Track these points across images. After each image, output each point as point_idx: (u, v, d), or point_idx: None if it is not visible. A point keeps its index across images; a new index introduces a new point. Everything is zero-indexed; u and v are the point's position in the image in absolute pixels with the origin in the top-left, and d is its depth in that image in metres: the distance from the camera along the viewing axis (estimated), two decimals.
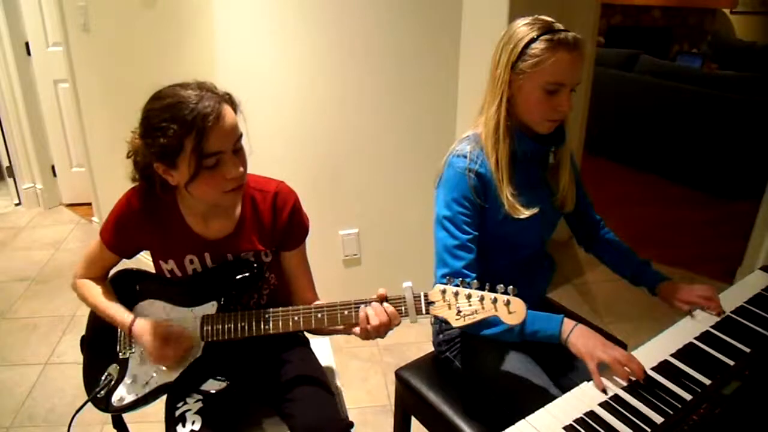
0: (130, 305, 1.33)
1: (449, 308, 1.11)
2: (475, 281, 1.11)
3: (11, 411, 2.17)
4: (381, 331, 1.15)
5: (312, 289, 1.45)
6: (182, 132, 1.09)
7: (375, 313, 1.14)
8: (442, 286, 1.12)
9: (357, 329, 1.18)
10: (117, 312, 1.31)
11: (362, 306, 1.17)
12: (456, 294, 1.10)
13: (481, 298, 1.09)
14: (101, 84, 2.94)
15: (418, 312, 1.14)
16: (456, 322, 1.10)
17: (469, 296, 1.09)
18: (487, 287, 1.10)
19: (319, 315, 1.21)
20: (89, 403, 1.29)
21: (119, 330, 1.33)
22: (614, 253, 1.54)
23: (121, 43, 2.69)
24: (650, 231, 3.76)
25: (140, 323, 1.27)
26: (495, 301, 1.08)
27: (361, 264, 2.63)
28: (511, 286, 1.09)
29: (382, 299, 1.16)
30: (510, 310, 1.07)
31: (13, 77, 3.59)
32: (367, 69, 2.31)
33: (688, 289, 1.39)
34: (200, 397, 1.30)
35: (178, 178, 1.18)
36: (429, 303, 1.13)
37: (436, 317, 1.19)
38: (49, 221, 3.81)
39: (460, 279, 1.12)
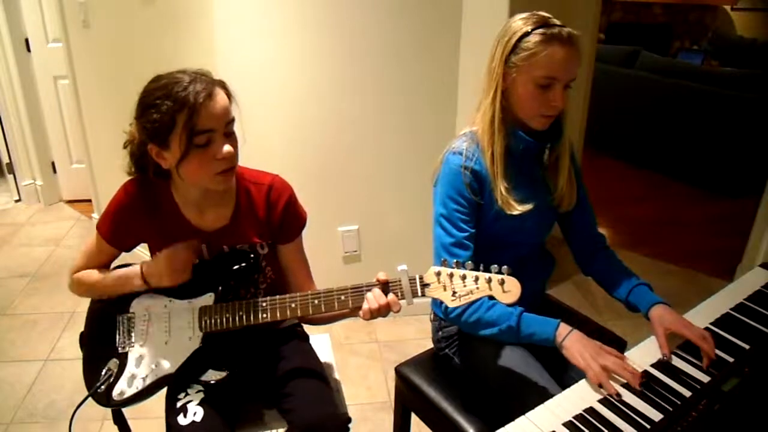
0: (129, 300, 1.34)
1: (444, 290, 1.12)
2: (470, 263, 1.12)
3: (11, 407, 2.17)
4: (382, 312, 1.17)
5: (310, 281, 1.46)
6: (175, 108, 1.12)
7: (374, 298, 1.16)
8: (437, 268, 1.13)
9: (359, 312, 1.19)
10: (122, 270, 1.32)
11: (365, 291, 1.18)
12: (451, 275, 1.12)
13: (476, 279, 1.10)
14: (101, 80, 2.94)
15: (414, 294, 1.15)
16: (452, 303, 1.12)
17: (464, 277, 1.11)
18: (481, 267, 1.11)
19: (316, 301, 1.22)
20: (90, 399, 1.30)
21: (118, 324, 1.33)
22: (612, 273, 1.43)
23: (121, 40, 2.69)
24: (650, 228, 3.77)
25: (146, 263, 1.29)
26: (489, 280, 1.09)
27: (360, 261, 2.63)
28: (505, 266, 1.09)
29: (383, 284, 1.17)
30: (504, 289, 1.09)
31: (13, 74, 3.58)
32: (368, 67, 2.31)
33: (685, 321, 1.25)
34: (201, 387, 1.31)
35: (170, 160, 1.19)
36: (424, 285, 1.14)
37: (432, 303, 1.18)
38: (49, 218, 3.80)
39: (455, 261, 1.13)
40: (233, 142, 1.21)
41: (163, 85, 1.15)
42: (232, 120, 1.21)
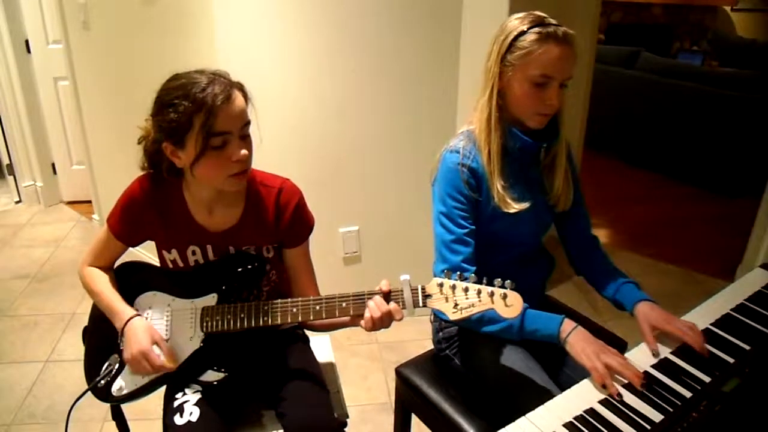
0: (133, 296, 1.34)
1: (446, 301, 1.12)
2: (473, 275, 1.12)
3: (12, 408, 2.17)
4: (384, 322, 1.16)
5: (314, 287, 1.46)
6: (193, 109, 1.13)
7: (376, 306, 1.15)
8: (439, 279, 1.13)
9: (361, 321, 1.18)
10: (119, 303, 1.31)
11: (366, 299, 1.18)
12: (453, 287, 1.11)
13: (478, 292, 1.10)
14: (101, 81, 2.94)
15: (416, 305, 1.15)
16: (453, 315, 1.11)
17: (466, 290, 1.10)
18: (484, 281, 1.11)
19: (318, 307, 1.22)
20: (91, 397, 1.30)
21: None
22: (601, 273, 1.45)
23: (121, 41, 2.69)
24: (650, 228, 3.77)
25: (139, 321, 1.27)
26: (492, 294, 1.09)
27: (361, 261, 2.63)
28: (508, 281, 1.09)
29: (384, 294, 1.17)
30: (507, 303, 1.08)
31: (13, 75, 3.59)
32: (368, 68, 2.31)
33: (669, 316, 1.26)
34: (199, 388, 1.31)
35: (184, 159, 1.20)
36: (426, 296, 1.14)
37: (433, 311, 1.18)
38: (49, 219, 3.81)
39: (458, 273, 1.13)
40: (248, 144, 1.22)
41: (181, 85, 1.16)
42: (248, 123, 1.21)
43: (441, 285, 1.12)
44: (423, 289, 1.15)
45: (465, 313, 1.10)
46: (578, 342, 1.19)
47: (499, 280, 1.10)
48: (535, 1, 1.47)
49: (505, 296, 1.08)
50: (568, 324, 1.23)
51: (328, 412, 1.33)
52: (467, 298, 1.10)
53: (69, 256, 3.32)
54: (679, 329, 1.22)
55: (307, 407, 1.31)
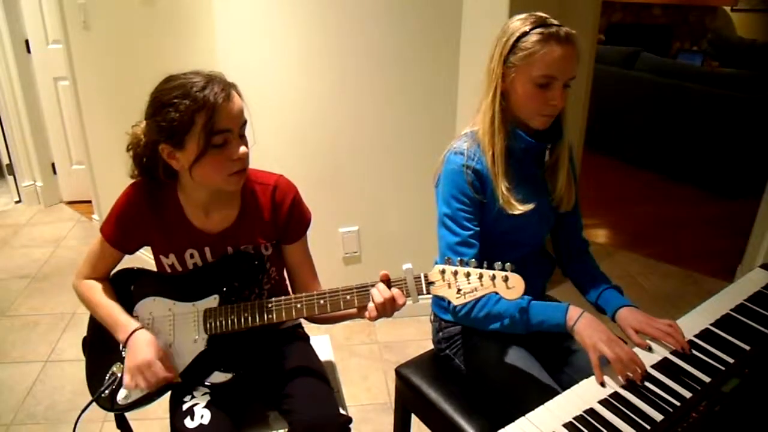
0: (131, 303, 1.33)
1: (449, 287, 1.12)
2: (473, 260, 1.12)
3: (12, 408, 2.17)
4: (387, 309, 1.16)
5: (316, 281, 1.46)
6: (194, 107, 1.13)
7: (379, 292, 1.16)
8: (441, 266, 1.13)
9: (365, 311, 1.18)
10: (121, 315, 1.29)
11: (369, 288, 1.18)
12: (455, 273, 1.12)
13: (480, 276, 1.11)
14: (101, 81, 2.94)
15: (419, 292, 1.16)
16: (457, 301, 1.12)
17: (468, 275, 1.11)
18: (485, 265, 1.12)
19: (322, 301, 1.22)
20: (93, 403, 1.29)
21: None
22: (587, 277, 1.47)
23: (121, 41, 2.69)
24: (650, 229, 3.77)
25: (144, 333, 1.26)
26: (493, 278, 1.10)
27: (361, 261, 2.63)
28: (508, 263, 1.10)
29: (385, 280, 1.17)
30: (508, 285, 1.09)
31: (13, 75, 3.58)
32: (367, 68, 2.31)
33: (648, 319, 1.28)
34: (207, 390, 1.31)
35: (183, 161, 1.19)
36: (429, 283, 1.15)
37: (435, 301, 1.18)
38: (49, 219, 3.81)
39: (459, 259, 1.13)
40: (246, 143, 1.22)
41: (179, 85, 1.15)
42: (246, 122, 1.22)
43: (443, 272, 1.13)
44: (426, 276, 1.15)
45: (468, 298, 1.11)
46: (585, 329, 1.21)
47: (499, 263, 1.10)
48: (536, 1, 1.47)
49: (506, 278, 1.09)
50: (574, 311, 1.24)
51: (334, 408, 1.33)
52: (469, 283, 1.11)
53: (69, 256, 3.32)
54: (659, 330, 1.24)
55: (313, 404, 1.31)
